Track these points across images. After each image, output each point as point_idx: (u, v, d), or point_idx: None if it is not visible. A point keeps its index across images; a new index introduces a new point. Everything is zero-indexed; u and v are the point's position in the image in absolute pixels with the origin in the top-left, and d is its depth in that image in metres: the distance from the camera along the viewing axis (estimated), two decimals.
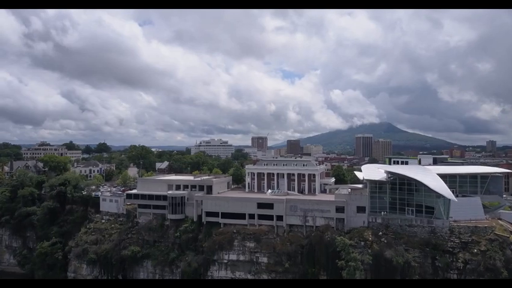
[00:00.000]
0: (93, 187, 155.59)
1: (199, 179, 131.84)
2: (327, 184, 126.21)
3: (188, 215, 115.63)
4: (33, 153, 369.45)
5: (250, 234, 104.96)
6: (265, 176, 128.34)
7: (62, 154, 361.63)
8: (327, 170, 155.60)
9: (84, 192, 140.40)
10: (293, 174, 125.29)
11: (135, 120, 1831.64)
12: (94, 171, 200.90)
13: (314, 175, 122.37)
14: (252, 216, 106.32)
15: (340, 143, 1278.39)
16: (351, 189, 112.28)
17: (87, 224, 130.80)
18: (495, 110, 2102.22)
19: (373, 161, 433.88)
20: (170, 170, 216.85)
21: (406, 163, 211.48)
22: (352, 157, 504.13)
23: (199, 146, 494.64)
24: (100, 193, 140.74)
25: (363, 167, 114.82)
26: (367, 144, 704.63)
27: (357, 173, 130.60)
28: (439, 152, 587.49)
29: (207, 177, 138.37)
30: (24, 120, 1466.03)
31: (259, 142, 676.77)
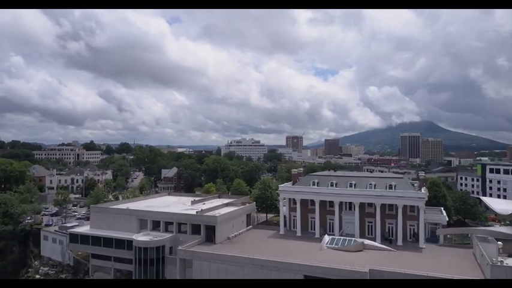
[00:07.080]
0: (53, 210, 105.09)
1: (201, 204, 76.81)
2: (437, 225, 65.55)
3: None
4: (48, 154, 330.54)
5: None
6: (316, 205, 70.35)
7: (78, 155, 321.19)
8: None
9: (30, 220, 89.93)
10: (370, 205, 66.62)
11: (170, 120, 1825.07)
12: (77, 180, 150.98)
13: (416, 208, 62.98)
14: None
15: (379, 143, 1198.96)
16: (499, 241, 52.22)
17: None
18: None
19: (429, 163, 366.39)
20: (179, 180, 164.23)
21: None
22: (396, 158, 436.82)
23: (230, 145, 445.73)
24: (50, 224, 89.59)
25: None
26: (414, 144, 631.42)
27: (486, 199, 68.49)
28: (494, 153, 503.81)
29: (214, 202, 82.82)
30: (66, 120, 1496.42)
31: (294, 142, 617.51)
